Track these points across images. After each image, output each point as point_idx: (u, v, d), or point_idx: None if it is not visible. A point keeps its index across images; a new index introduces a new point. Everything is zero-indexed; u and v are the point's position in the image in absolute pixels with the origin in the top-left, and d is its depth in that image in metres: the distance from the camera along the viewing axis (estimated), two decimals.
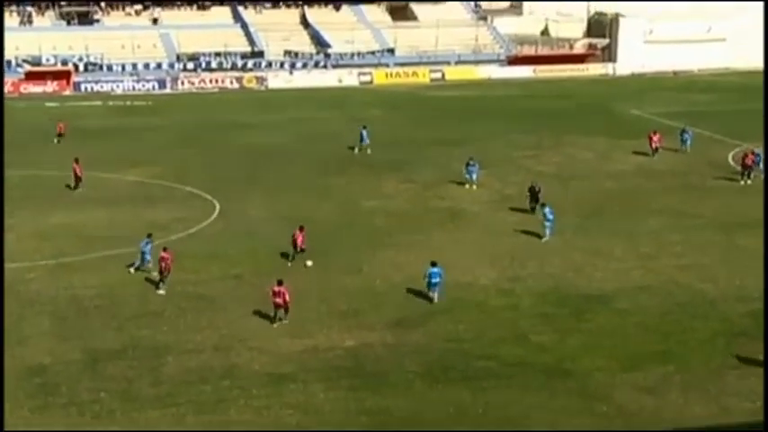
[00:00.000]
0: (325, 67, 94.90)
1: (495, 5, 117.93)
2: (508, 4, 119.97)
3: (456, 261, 38.04)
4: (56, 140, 62.17)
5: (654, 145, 56.86)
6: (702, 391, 27.06)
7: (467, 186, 49.85)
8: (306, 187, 50.52)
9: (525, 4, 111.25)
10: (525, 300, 34.32)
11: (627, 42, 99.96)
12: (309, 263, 37.27)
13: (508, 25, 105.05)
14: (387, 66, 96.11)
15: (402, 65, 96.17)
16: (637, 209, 45.97)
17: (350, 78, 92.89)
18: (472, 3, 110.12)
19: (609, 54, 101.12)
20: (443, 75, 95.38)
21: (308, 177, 52.78)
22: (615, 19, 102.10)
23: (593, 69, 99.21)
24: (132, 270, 36.44)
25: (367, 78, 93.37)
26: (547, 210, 41.02)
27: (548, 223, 40.69)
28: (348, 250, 39.35)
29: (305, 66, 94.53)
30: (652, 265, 37.81)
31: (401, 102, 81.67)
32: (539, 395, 26.87)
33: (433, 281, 33.66)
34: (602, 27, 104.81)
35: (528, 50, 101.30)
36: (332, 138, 63.90)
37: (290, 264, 37.25)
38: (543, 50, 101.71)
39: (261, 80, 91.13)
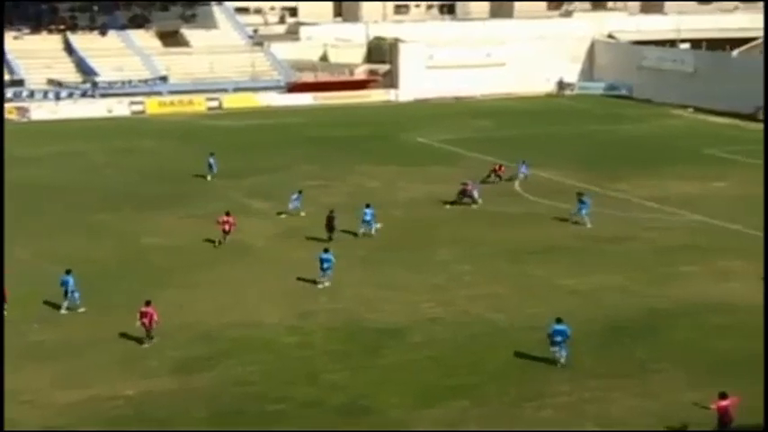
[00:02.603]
0: (93, 96, 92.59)
1: (270, 30, 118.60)
2: (284, 29, 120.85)
3: (242, 299, 38.00)
4: None
5: (499, 171, 58.95)
6: (499, 424, 27.85)
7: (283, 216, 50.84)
8: (77, 226, 49.13)
9: (302, 28, 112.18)
10: (316, 337, 34.52)
11: (408, 68, 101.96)
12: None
13: (286, 51, 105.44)
14: (160, 94, 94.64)
15: (176, 93, 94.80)
16: (427, 239, 47.02)
17: (120, 108, 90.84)
18: (248, 28, 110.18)
19: (391, 80, 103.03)
20: (221, 103, 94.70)
21: (78, 215, 51.34)
22: (395, 44, 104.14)
23: (376, 96, 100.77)
24: None
25: (139, 108, 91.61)
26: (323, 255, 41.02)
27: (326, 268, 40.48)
28: (127, 292, 38.42)
29: (71, 95, 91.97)
30: (443, 296, 38.73)
31: (177, 132, 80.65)
32: None
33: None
34: (382, 52, 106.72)
35: (308, 77, 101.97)
36: (102, 172, 62.46)
37: (63, 311, 36.20)
38: (323, 77, 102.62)
39: (22, 111, 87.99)
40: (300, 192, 52.04)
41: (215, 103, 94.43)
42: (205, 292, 38.65)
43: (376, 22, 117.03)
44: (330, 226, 46.01)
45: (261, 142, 74.21)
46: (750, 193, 56.06)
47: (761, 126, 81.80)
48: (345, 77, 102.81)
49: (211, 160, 60.50)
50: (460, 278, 41.12)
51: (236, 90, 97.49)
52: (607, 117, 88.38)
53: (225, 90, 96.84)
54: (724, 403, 26.16)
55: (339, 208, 48.11)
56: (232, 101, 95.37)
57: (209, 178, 60.05)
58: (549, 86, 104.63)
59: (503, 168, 59.30)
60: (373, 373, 31.50)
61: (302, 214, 50.49)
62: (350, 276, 40.85)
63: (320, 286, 39.71)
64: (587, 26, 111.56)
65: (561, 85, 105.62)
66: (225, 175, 60.56)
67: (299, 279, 40.65)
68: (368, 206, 47.56)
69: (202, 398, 29.47)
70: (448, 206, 52.70)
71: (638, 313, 36.55)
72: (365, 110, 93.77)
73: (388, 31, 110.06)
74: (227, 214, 46.33)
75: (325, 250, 40.04)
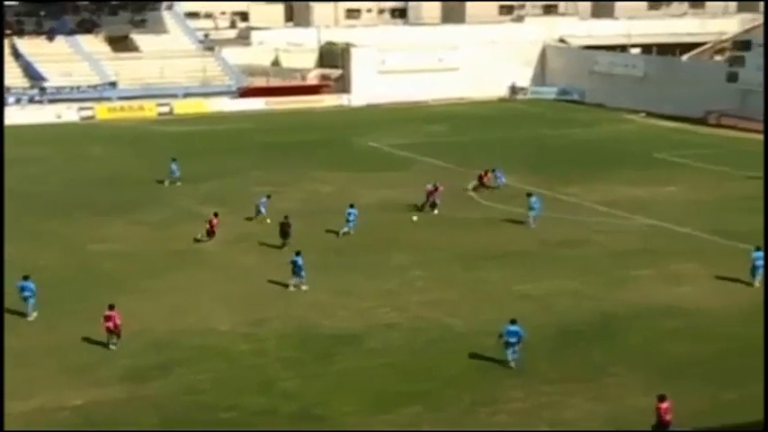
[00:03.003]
0: (41, 102, 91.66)
1: (221, 35, 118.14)
2: (235, 33, 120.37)
3: (194, 306, 37.67)
4: None
5: (485, 180, 58.10)
6: (455, 429, 27.77)
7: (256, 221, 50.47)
8: (25, 233, 48.42)
9: (253, 33, 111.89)
10: (269, 344, 34.26)
11: (360, 73, 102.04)
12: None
13: (237, 56, 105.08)
14: (109, 100, 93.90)
15: (126, 99, 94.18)
16: (381, 244, 46.88)
17: (69, 114, 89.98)
18: (198, 33, 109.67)
19: (343, 85, 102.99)
20: (172, 109, 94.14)
21: (26, 222, 50.64)
22: (347, 49, 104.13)
23: (329, 101, 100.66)
24: None
25: (88, 113, 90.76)
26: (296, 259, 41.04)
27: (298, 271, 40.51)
28: (76, 300, 37.99)
29: (18, 101, 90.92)
30: (398, 301, 38.62)
31: (127, 138, 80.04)
32: None
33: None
34: (334, 57, 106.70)
35: (260, 82, 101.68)
36: (51, 179, 61.78)
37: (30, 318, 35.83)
38: (275, 82, 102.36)
39: None
40: (269, 196, 51.71)
41: (166, 109, 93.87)
42: (157, 299, 38.25)
43: (328, 26, 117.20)
44: (284, 232, 45.79)
45: (212, 148, 73.76)
46: (700, 197, 56.67)
47: (711, 130, 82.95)
48: (297, 82, 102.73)
49: (173, 165, 60.20)
50: (415, 283, 41.04)
51: (187, 95, 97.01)
52: (559, 121, 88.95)
53: (175, 95, 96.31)
54: (664, 405, 26.26)
55: (292, 214, 47.86)
56: (183, 106, 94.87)
57: (166, 183, 59.66)
58: (501, 91, 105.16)
59: (488, 176, 58.62)
60: (327, 380, 31.30)
61: (268, 221, 49.91)
62: (304, 282, 40.62)
63: (291, 289, 39.76)
64: (539, 31, 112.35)
65: (514, 89, 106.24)
66: (175, 180, 60.13)
67: (252, 285, 40.43)
68: (351, 206, 48.46)
69: (153, 406, 29.15)
70: (415, 217, 52.30)
71: (591, 317, 36.65)
72: (317, 115, 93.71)
73: (339, 35, 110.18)
74: (216, 215, 47.38)
75: (297, 253, 40.07)
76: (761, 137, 78.46)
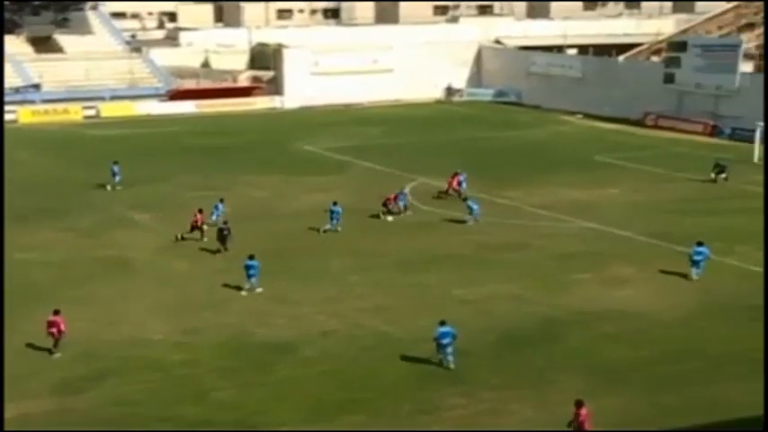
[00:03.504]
0: None
1: (149, 36, 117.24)
2: (163, 34, 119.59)
3: (127, 315, 37.45)
4: None
5: (453, 187, 57.22)
6: None
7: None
8: None
9: (182, 33, 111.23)
10: (204, 354, 34.16)
11: (293, 74, 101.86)
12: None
13: (165, 57, 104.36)
14: (33, 102, 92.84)
15: (50, 101, 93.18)
16: (317, 249, 46.94)
17: None
18: (125, 33, 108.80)
19: (275, 87, 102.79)
20: (98, 111, 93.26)
21: None
22: (279, 50, 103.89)
23: (261, 103, 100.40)
24: None
25: (11, 117, 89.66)
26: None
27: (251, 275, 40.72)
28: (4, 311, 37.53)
29: None
30: (335, 308, 38.71)
31: (52, 142, 79.24)
32: None
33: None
34: (265, 59, 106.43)
35: (189, 84, 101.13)
36: None
37: None
38: (205, 84, 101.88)
39: None
40: (222, 200, 51.51)
41: (92, 112, 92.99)
42: (87, 308, 37.92)
43: (259, 27, 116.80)
44: (222, 237, 45.76)
45: (141, 152, 73.21)
46: (639, 200, 57.53)
47: (649, 132, 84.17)
48: (229, 84, 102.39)
49: (115, 168, 59.93)
50: (353, 290, 41.15)
51: (114, 98, 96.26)
52: (497, 123, 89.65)
53: (102, 98, 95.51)
54: (583, 412, 26.62)
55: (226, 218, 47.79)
56: (110, 109, 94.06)
57: (108, 188, 59.53)
58: (437, 93, 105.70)
59: (456, 179, 57.62)
60: (264, 389, 31.30)
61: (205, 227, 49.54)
62: (237, 289, 40.58)
63: (244, 293, 40.05)
64: (474, 31, 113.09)
65: (450, 91, 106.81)
66: (104, 186, 59.67)
67: (186, 293, 40.29)
68: (335, 204, 50.15)
69: (83, 419, 28.95)
70: (391, 217, 52.57)
71: (532, 322, 37.05)
72: (250, 118, 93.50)
73: (271, 36, 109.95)
74: (200, 212, 48.11)
75: (250, 257, 40.33)
76: (698, 138, 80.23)
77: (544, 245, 47.79)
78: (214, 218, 49.77)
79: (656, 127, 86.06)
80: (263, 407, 29.94)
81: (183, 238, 47.71)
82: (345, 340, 35.41)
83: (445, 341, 32.28)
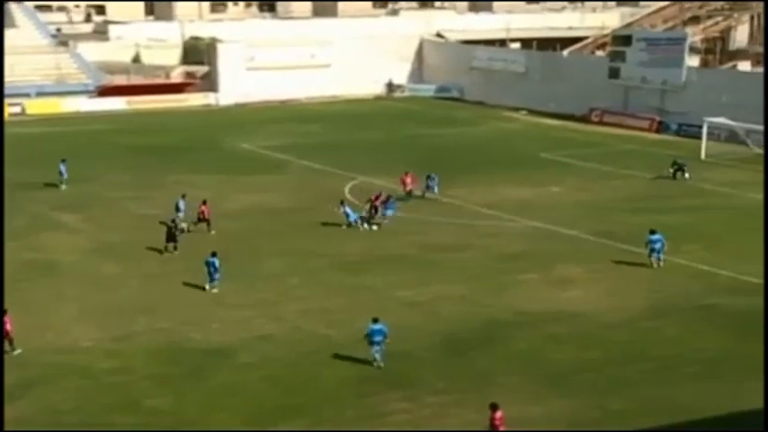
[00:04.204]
0: None
1: (76, 29, 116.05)
2: (90, 28, 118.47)
3: (54, 321, 37.05)
4: None
5: (408, 188, 57.01)
6: None
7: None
8: None
9: (111, 27, 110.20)
10: (136, 360, 33.88)
11: (228, 70, 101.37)
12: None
13: (94, 52, 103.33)
14: None
15: None
16: (256, 251, 46.71)
17: None
18: (51, 27, 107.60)
19: (210, 83, 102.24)
20: (24, 108, 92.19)
21: None
22: (212, 45, 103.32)
23: (195, 100, 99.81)
24: None
25: None
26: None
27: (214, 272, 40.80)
28: None
29: None
30: (274, 311, 38.57)
31: None
32: None
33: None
34: (199, 53, 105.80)
35: (120, 80, 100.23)
36: None
37: None
38: (137, 80, 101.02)
39: None
40: (183, 196, 51.35)
41: (17, 109, 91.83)
42: (14, 314, 37.27)
43: (191, 20, 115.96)
44: (171, 235, 45.73)
45: (69, 151, 72.04)
46: (586, 198, 58.00)
47: (594, 128, 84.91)
48: (161, 80, 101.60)
49: (62, 167, 59.82)
50: (292, 292, 41.04)
51: (40, 94, 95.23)
52: (439, 120, 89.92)
53: (27, 94, 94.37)
54: (498, 415, 26.82)
55: (153, 222, 47.36)
56: (36, 106, 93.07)
57: (62, 187, 59.57)
58: (377, 88, 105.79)
59: (409, 177, 57.43)
60: (200, 396, 31.10)
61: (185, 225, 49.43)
62: (172, 292, 40.32)
63: (212, 291, 40.52)
64: (415, 25, 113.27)
65: (390, 86, 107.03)
66: (30, 186, 59.02)
67: (116, 298, 39.94)
68: (342, 202, 51.26)
69: (12, 428, 28.53)
70: (375, 226, 51.46)
71: (477, 324, 37.18)
72: (183, 115, 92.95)
73: (204, 30, 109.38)
74: (204, 203, 49.58)
75: (213, 254, 40.68)
76: (643, 134, 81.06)
77: (489, 245, 47.99)
78: (181, 215, 49.64)
79: (601, 123, 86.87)
80: (199, 414, 29.75)
81: (188, 230, 48.77)
82: (285, 344, 35.30)
83: (376, 339, 32.55)
